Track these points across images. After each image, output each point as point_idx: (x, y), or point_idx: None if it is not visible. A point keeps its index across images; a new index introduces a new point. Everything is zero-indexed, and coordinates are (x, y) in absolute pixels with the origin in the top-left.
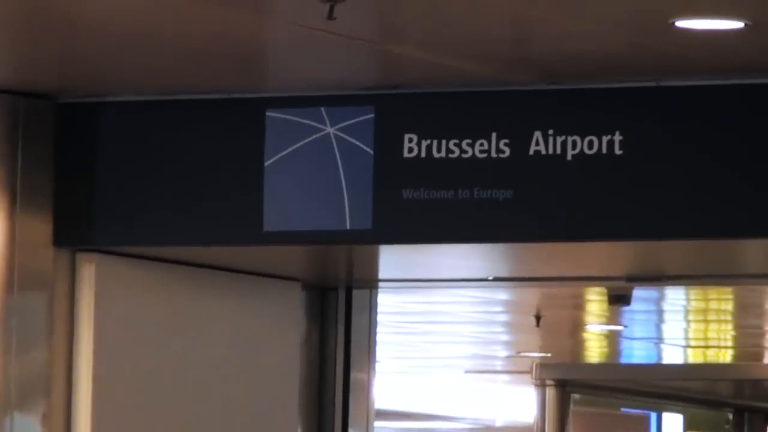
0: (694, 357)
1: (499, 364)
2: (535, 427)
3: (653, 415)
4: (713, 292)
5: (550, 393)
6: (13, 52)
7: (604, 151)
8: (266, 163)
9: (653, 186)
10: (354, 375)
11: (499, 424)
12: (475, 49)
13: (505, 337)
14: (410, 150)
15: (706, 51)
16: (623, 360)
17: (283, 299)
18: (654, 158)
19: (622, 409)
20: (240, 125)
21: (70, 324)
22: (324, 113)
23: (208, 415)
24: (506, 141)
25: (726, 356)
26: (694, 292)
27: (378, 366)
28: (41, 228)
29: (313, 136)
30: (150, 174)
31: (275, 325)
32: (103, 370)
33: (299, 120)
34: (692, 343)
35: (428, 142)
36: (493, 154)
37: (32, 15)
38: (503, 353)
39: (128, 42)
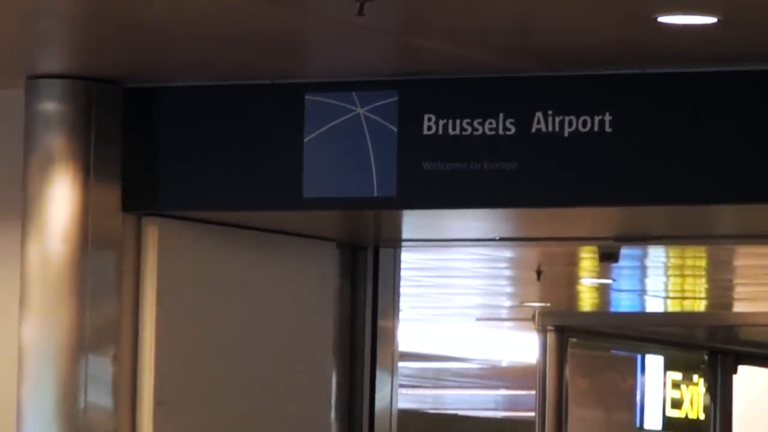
0: (673, 306)
1: (504, 313)
2: (537, 368)
3: (638, 358)
4: (689, 250)
5: (551, 338)
6: (87, 43)
7: (596, 129)
8: (305, 140)
9: (638, 159)
10: (380, 323)
11: (504, 364)
12: (485, 41)
13: (509, 289)
14: (429, 128)
15: (684, 43)
16: (612, 309)
17: (320, 257)
18: (639, 136)
19: (613, 351)
20: (283, 107)
21: (136, 279)
22: (355, 96)
23: (255, 358)
24: (512, 120)
25: (700, 306)
26: (673, 251)
27: (401, 315)
28: (111, 196)
29: (346, 116)
30: (205, 149)
31: (313, 280)
32: (164, 319)
33: (333, 102)
34: (671, 294)
35: (444, 121)
36: (501, 132)
37: (102, 11)
38: (508, 303)
39: (186, 34)
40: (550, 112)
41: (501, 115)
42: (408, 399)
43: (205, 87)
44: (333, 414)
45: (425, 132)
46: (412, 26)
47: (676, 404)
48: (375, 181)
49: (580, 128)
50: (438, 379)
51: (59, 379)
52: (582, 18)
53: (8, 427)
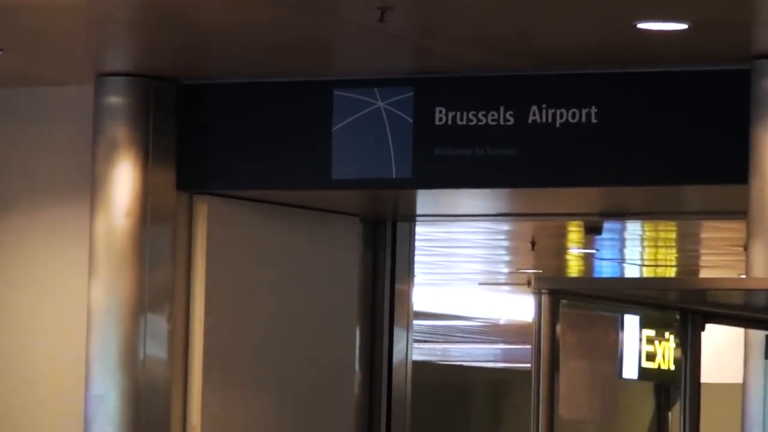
0: (648, 273)
1: (503, 278)
2: (533, 325)
3: (618, 317)
4: (662, 224)
5: (545, 300)
6: (147, 47)
7: (584, 120)
8: (334, 129)
9: (619, 146)
10: (397, 286)
11: (502, 322)
12: (488, 45)
13: (507, 258)
14: (440, 119)
15: (660, 46)
16: (596, 275)
17: (345, 230)
18: (620, 126)
19: (597, 312)
20: (315, 101)
21: (188, 248)
22: (376, 92)
23: (290, 316)
24: (511, 112)
25: (671, 272)
26: (648, 225)
27: (415, 279)
28: (167, 177)
29: (368, 109)
30: (247, 137)
31: (340, 250)
32: (212, 282)
33: (358, 97)
34: (646, 262)
35: (453, 113)
36: (501, 122)
37: (160, 20)
38: (506, 270)
39: (232, 39)
40: (543, 106)
41: (501, 108)
42: (420, 352)
43: (247, 84)
44: (357, 364)
45: (437, 122)
46: (425, 32)
47: (651, 357)
48: (393, 164)
49: (570, 119)
50: (446, 335)
51: (122, 335)
52: (572, 25)
53: (78, 376)
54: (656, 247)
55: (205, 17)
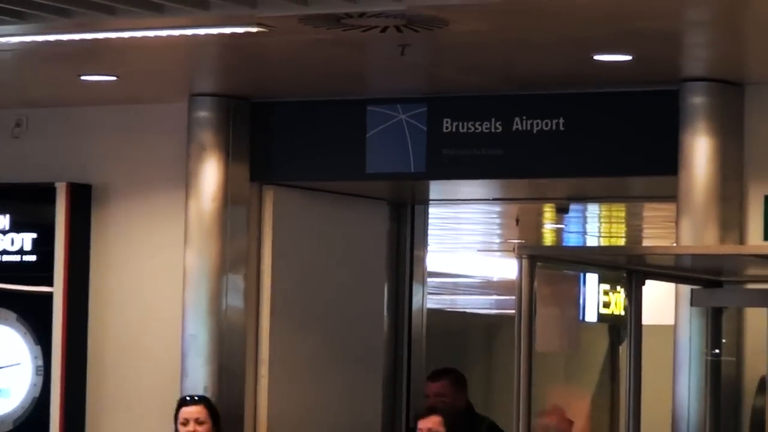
0: (603, 242)
1: (495, 246)
2: (517, 282)
3: (581, 275)
4: (614, 206)
5: (525, 263)
6: (228, 74)
7: (554, 128)
8: (367, 135)
9: (580, 147)
10: (416, 252)
11: (495, 279)
12: (482, 72)
13: (498, 231)
14: (446, 128)
15: (610, 72)
16: (564, 244)
17: (376, 211)
18: (582, 132)
19: (564, 271)
20: (353, 114)
21: (258, 225)
22: (399, 108)
23: (335, 277)
24: (499, 122)
25: (621, 242)
26: (603, 206)
27: (428, 247)
28: (242, 171)
29: (392, 120)
30: (302, 141)
31: (372, 226)
32: (277, 251)
33: (385, 111)
34: (602, 234)
35: (457, 123)
36: (492, 130)
37: (239, 55)
38: (498, 240)
39: (291, 69)
40: (524, 117)
41: (492, 119)
42: (433, 302)
43: (303, 101)
44: (385, 312)
45: (444, 130)
46: (434, 63)
47: (606, 305)
48: (412, 162)
49: (544, 128)
50: (452, 289)
51: (209, 289)
52: (545, 58)
53: (177, 322)
54: (610, 223)
55: (272, 54)
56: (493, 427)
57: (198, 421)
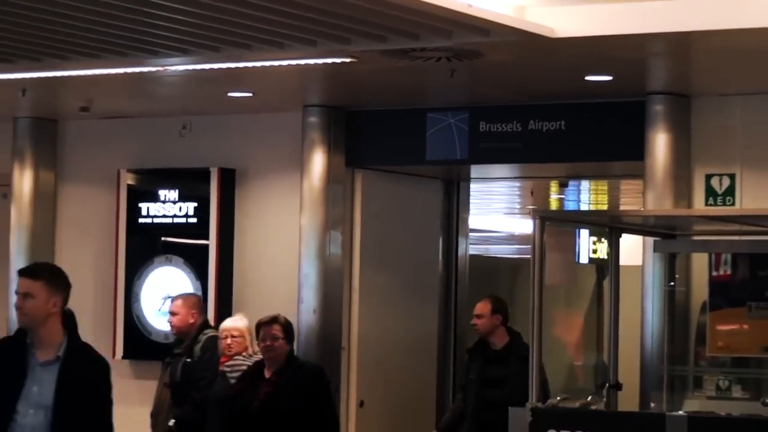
0: (592, 207)
1: (517, 211)
2: (532, 236)
3: (576, 230)
4: (600, 183)
5: (537, 222)
6: (330, 91)
7: (558, 128)
8: (427, 133)
9: (576, 141)
10: (460, 215)
11: (516, 233)
12: (508, 88)
13: (519, 200)
14: (482, 128)
15: (597, 88)
16: (565, 208)
17: (433, 188)
18: (578, 131)
19: (565, 228)
20: (417, 118)
21: (351, 198)
22: (449, 114)
23: (404, 232)
24: (519, 124)
25: (604, 207)
26: (593, 183)
27: (470, 212)
28: (340, 159)
29: (444, 123)
30: (383, 137)
31: (430, 198)
32: (364, 215)
33: (439, 116)
34: (591, 202)
35: (489, 124)
36: (514, 130)
37: (352, 80)
38: (518, 206)
39: (373, 86)
40: (537, 120)
41: (515, 121)
42: (472, 250)
43: (382, 110)
44: (440, 257)
45: (480, 130)
46: (474, 82)
47: (594, 252)
48: (458, 151)
49: (550, 128)
50: (486, 241)
51: (317, 242)
52: (551, 78)
53: (294, 265)
54: (597, 194)
55: (361, 77)
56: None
57: (273, 337)
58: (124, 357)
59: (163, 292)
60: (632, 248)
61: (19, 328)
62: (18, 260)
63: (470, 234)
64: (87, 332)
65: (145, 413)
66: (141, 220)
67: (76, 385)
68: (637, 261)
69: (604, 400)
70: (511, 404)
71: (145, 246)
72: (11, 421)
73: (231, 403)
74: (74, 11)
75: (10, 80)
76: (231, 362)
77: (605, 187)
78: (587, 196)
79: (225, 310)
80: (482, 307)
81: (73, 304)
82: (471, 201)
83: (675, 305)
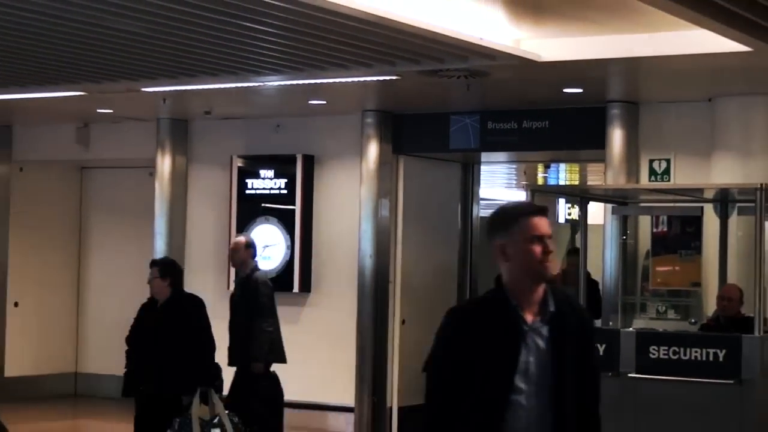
0: (569, 183)
1: (514, 184)
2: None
3: (557, 199)
4: (574, 165)
5: (529, 193)
6: (381, 99)
7: (544, 126)
8: (450, 130)
9: (558, 137)
10: (473, 188)
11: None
12: (507, 98)
13: (515, 177)
14: (490, 126)
15: (571, 97)
16: (548, 183)
17: (453, 169)
18: (558, 129)
19: (550, 197)
20: (443, 120)
21: (396, 177)
22: (466, 116)
23: (432, 200)
24: (516, 124)
25: (576, 182)
26: (569, 166)
27: (480, 186)
28: (388, 148)
29: (462, 123)
30: (418, 132)
31: (452, 176)
32: (405, 188)
33: (459, 118)
34: (567, 179)
35: (495, 123)
36: (513, 128)
37: (390, 92)
38: (515, 181)
39: (415, 96)
40: (529, 121)
41: (512, 122)
42: (482, 213)
43: (418, 113)
44: (458, 218)
45: (488, 127)
46: (483, 93)
47: (569, 214)
48: (472, 142)
49: (539, 126)
50: (492, 206)
51: (372, 208)
52: (540, 90)
53: (355, 224)
54: (571, 173)
55: (403, 89)
56: None
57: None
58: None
59: (263, 242)
60: (596, 212)
61: None
62: (160, 220)
63: (480, 201)
64: (209, 271)
65: None
66: (247, 192)
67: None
68: (599, 221)
69: None
70: None
71: (250, 210)
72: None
73: None
74: (201, 43)
75: (154, 92)
76: None
77: (577, 168)
78: (564, 174)
79: (306, 254)
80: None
81: (198, 252)
82: (481, 178)
83: (627, 253)
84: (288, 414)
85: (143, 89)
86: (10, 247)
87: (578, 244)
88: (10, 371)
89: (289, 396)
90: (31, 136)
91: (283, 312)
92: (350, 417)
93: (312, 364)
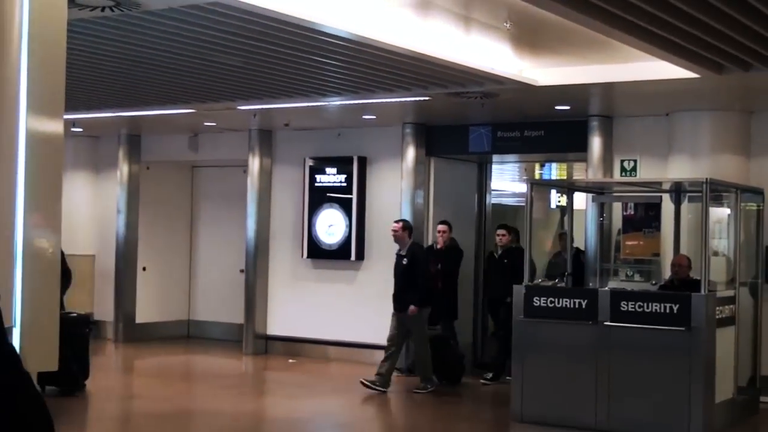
0: (559, 178)
1: (518, 179)
2: (526, 193)
3: (550, 190)
4: (562, 165)
5: (528, 185)
6: (418, 114)
7: (541, 134)
8: (469, 138)
9: (552, 143)
10: (487, 182)
11: (517, 192)
12: (512, 113)
13: (518, 174)
14: (499, 135)
15: (562, 113)
16: (544, 178)
17: (471, 167)
18: (551, 137)
19: (544, 189)
20: (462, 130)
21: (428, 171)
22: (480, 127)
23: (454, 193)
24: (519, 133)
25: (564, 177)
26: (559, 165)
27: (492, 180)
28: (422, 151)
29: (478, 132)
30: (445, 138)
31: (470, 172)
32: (435, 182)
33: (476, 128)
34: (557, 175)
35: (503, 133)
36: (517, 135)
37: (425, 109)
38: (518, 176)
39: (441, 112)
40: (528, 130)
41: (517, 131)
42: (494, 201)
43: (446, 125)
44: (475, 204)
45: (498, 136)
46: (494, 109)
47: (560, 201)
48: (486, 147)
49: (536, 135)
50: (501, 196)
51: (410, 196)
52: (537, 107)
53: (396, 209)
54: (561, 171)
55: (434, 107)
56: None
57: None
58: (307, 257)
59: (328, 223)
60: (581, 200)
61: None
62: (251, 206)
63: (492, 192)
64: (287, 242)
65: (317, 288)
66: (316, 184)
67: None
68: (582, 207)
69: (564, 282)
70: (515, 284)
71: (318, 198)
72: None
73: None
74: (283, 73)
75: (247, 110)
76: None
77: (565, 167)
78: (556, 171)
79: (360, 232)
80: (504, 232)
81: (280, 229)
82: (492, 174)
83: (603, 230)
84: (344, 351)
85: (239, 107)
86: (139, 226)
87: (566, 225)
88: (139, 319)
89: (347, 337)
90: (154, 143)
91: (343, 275)
92: None
93: (365, 313)
